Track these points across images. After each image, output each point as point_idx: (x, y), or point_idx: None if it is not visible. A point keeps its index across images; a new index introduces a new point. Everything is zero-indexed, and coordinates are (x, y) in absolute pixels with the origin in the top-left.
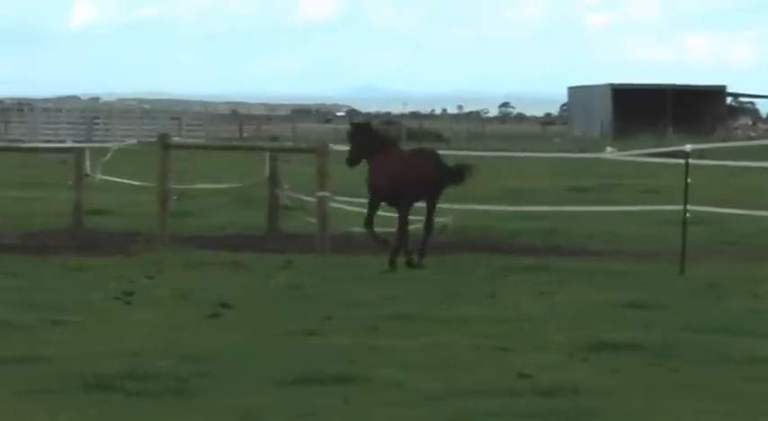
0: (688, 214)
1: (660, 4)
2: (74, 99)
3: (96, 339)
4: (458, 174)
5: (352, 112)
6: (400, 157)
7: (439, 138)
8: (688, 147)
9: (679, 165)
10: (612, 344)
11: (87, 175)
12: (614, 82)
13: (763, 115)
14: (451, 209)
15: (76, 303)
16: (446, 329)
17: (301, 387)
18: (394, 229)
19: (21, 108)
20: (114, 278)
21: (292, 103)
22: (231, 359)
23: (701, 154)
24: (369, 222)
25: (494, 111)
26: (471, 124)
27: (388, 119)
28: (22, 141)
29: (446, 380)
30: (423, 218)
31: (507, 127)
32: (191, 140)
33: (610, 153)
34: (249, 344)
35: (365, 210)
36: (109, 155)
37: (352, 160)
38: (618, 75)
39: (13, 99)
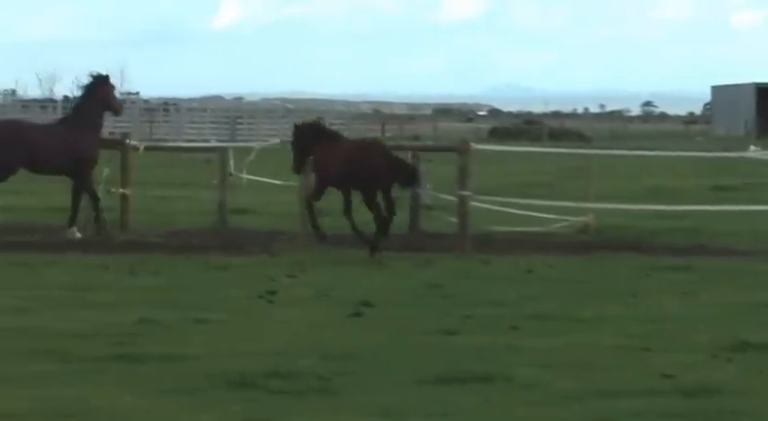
0: None
1: None
2: (218, 99)
3: (239, 338)
4: (409, 172)
5: (494, 112)
6: (348, 146)
7: (580, 137)
8: None
9: None
10: (757, 345)
11: (231, 175)
12: (759, 81)
13: None
14: (593, 208)
15: (220, 302)
16: (586, 329)
17: (442, 386)
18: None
19: (166, 108)
20: (257, 277)
21: (434, 102)
22: (372, 358)
23: None
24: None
25: (636, 111)
26: (613, 123)
27: (529, 118)
28: (167, 140)
29: (586, 379)
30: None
31: (650, 126)
32: None
33: (754, 152)
34: (390, 342)
35: (506, 210)
36: (253, 154)
37: (297, 166)
38: (763, 74)
39: (159, 99)
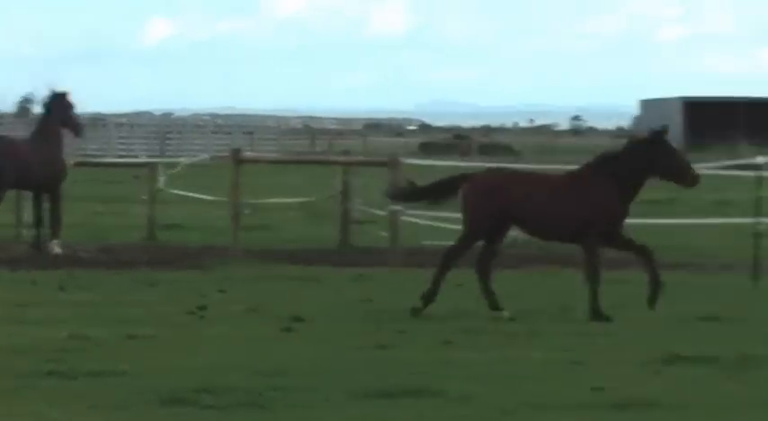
0: (761, 226)
1: (734, 18)
2: (147, 115)
3: (170, 353)
4: None
5: (423, 127)
6: None
7: (510, 151)
8: (759, 160)
9: (752, 177)
10: (687, 358)
11: (160, 190)
12: (686, 95)
13: None
14: None
15: (150, 317)
16: (518, 343)
17: (374, 400)
18: None
19: (95, 124)
20: (187, 292)
21: (365, 117)
22: (304, 373)
23: None
24: None
25: (565, 125)
26: (542, 137)
27: (458, 132)
28: (97, 156)
29: (518, 393)
30: None
31: (579, 140)
32: (263, 154)
33: None
34: (322, 357)
35: (437, 224)
36: (178, 167)
37: None
38: (690, 88)
39: (88, 115)
